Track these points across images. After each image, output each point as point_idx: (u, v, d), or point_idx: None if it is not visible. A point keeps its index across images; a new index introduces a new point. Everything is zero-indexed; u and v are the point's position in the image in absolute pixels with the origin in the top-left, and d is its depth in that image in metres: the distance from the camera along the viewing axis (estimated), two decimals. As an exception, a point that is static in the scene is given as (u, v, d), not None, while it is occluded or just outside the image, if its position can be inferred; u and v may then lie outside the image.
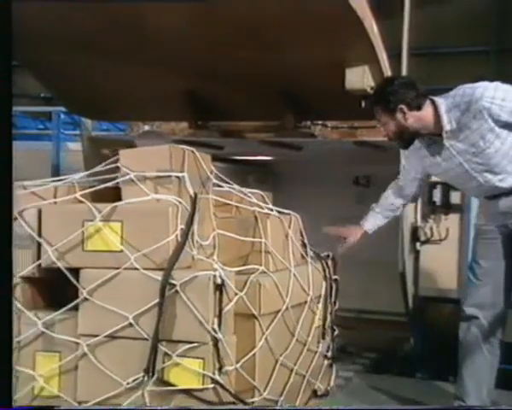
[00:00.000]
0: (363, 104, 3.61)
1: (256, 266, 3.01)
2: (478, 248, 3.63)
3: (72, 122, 6.53)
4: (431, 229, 4.90)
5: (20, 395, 2.84)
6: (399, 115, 3.36)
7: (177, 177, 2.89)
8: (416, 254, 4.91)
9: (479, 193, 3.63)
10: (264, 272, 3.01)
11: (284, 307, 3.05)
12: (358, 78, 4.03)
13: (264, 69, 4.28)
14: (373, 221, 3.80)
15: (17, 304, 2.87)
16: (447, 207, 4.93)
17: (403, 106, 3.35)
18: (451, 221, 4.90)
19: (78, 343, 2.81)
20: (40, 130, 7.77)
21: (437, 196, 4.94)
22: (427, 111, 3.39)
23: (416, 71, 4.67)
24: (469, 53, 10.19)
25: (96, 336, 2.77)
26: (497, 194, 3.45)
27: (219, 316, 2.70)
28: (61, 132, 6.48)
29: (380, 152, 4.96)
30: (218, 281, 2.68)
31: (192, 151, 3.00)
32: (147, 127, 6.88)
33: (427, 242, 4.88)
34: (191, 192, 2.89)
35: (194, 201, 2.86)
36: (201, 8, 3.72)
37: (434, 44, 10.13)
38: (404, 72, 4.53)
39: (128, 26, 4.03)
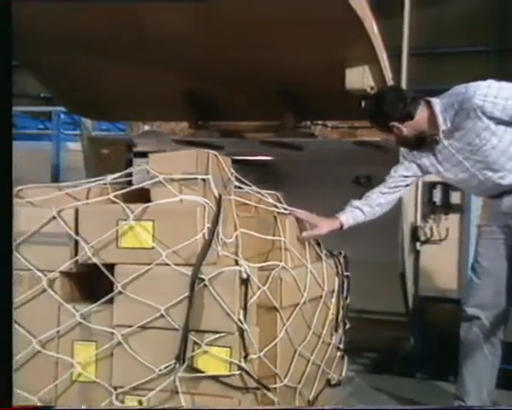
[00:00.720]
0: (362, 104, 3.60)
1: (277, 263, 3.24)
2: (480, 248, 3.63)
3: (72, 122, 6.53)
4: (431, 229, 4.90)
5: (60, 381, 3.10)
6: (395, 130, 3.43)
7: (203, 179, 3.11)
8: (416, 254, 4.91)
9: (480, 192, 3.64)
10: (284, 268, 3.23)
11: (302, 300, 3.28)
12: (358, 78, 4.03)
13: (264, 69, 4.28)
14: (350, 215, 3.61)
15: (56, 297, 3.10)
16: (447, 207, 4.94)
17: (394, 123, 3.41)
18: (451, 221, 4.90)
19: (113, 333, 3.02)
20: (40, 130, 7.77)
21: (437, 196, 4.95)
22: (421, 115, 3.42)
23: (416, 71, 4.67)
24: (469, 53, 10.19)
25: (130, 326, 2.98)
26: (499, 192, 3.45)
27: (245, 308, 2.91)
28: (61, 132, 6.48)
29: (380, 152, 4.96)
30: (244, 276, 2.91)
31: (215, 155, 3.20)
32: (147, 127, 6.88)
33: (427, 242, 4.88)
34: (215, 193, 3.10)
35: (218, 201, 3.06)
36: (202, 8, 3.72)
37: (434, 44, 10.13)
38: (404, 72, 4.54)
39: (128, 26, 4.03)
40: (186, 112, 5.04)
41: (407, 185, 3.70)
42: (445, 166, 3.51)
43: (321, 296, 3.51)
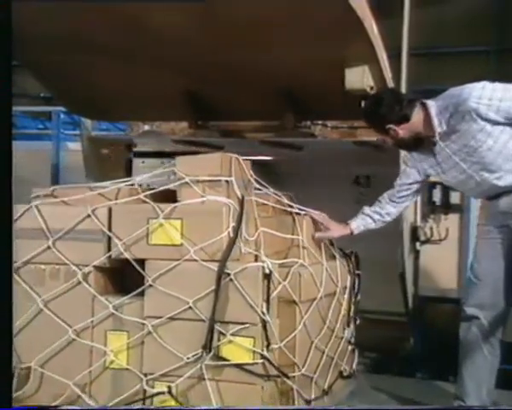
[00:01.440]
0: (362, 104, 3.60)
1: (295, 260, 3.48)
2: (478, 247, 3.63)
3: (71, 122, 6.53)
4: (431, 229, 4.90)
5: (93, 367, 3.34)
6: (391, 132, 3.46)
7: (226, 181, 3.35)
8: (416, 253, 4.91)
9: (478, 193, 3.64)
10: (302, 265, 3.48)
11: (319, 295, 3.51)
12: (358, 78, 4.02)
13: (264, 69, 4.28)
14: (360, 222, 3.78)
15: (91, 289, 3.35)
16: (447, 207, 4.94)
17: (390, 125, 3.44)
18: (451, 221, 4.90)
19: (144, 324, 3.25)
20: (40, 130, 7.76)
21: (437, 195, 4.95)
22: (417, 117, 3.45)
23: (416, 71, 4.67)
24: (469, 53, 10.19)
25: (160, 317, 3.21)
26: (497, 194, 3.45)
27: (267, 301, 3.13)
28: (60, 132, 6.48)
29: (379, 152, 4.96)
30: (267, 271, 3.13)
31: (237, 158, 3.42)
32: (146, 127, 6.88)
33: (426, 242, 4.88)
34: (239, 194, 3.34)
35: (241, 202, 3.29)
36: (201, 8, 3.72)
37: (434, 44, 10.13)
38: (404, 72, 4.53)
39: (128, 26, 4.03)
40: (186, 112, 5.04)
41: (416, 192, 3.76)
42: (444, 167, 3.52)
43: (334, 293, 3.72)
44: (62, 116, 6.47)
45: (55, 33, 4.17)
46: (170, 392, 3.21)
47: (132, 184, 3.56)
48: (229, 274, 3.13)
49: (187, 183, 3.35)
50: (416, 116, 3.44)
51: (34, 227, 3.45)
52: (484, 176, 3.42)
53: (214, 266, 3.14)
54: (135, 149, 5.75)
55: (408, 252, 4.81)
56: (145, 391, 3.26)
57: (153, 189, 3.51)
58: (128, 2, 3.82)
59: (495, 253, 3.53)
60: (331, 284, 3.68)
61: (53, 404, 3.33)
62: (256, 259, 3.29)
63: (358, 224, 3.76)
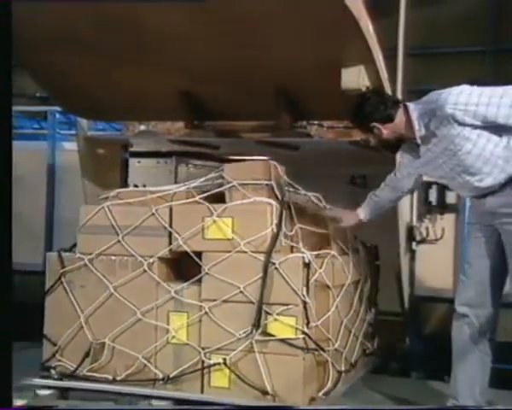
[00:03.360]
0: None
1: (328, 251, 4.10)
2: (468, 247, 3.67)
3: (67, 122, 6.51)
4: (427, 229, 4.90)
5: (158, 343, 3.99)
6: (375, 131, 3.58)
7: (267, 184, 4.00)
8: (412, 253, 4.91)
9: (465, 192, 3.69)
10: (333, 256, 4.09)
11: (347, 282, 4.18)
12: (354, 78, 4.03)
13: (260, 69, 4.28)
14: (368, 210, 3.96)
15: (155, 277, 4.00)
16: (443, 207, 4.94)
17: (375, 124, 3.56)
18: (447, 221, 4.91)
19: (201, 306, 3.91)
20: (36, 129, 7.74)
21: (433, 195, 4.95)
22: (400, 119, 3.56)
23: (412, 71, 4.67)
24: (465, 53, 10.19)
25: (215, 300, 3.87)
26: (482, 194, 3.48)
27: (307, 286, 3.76)
28: (56, 132, 6.47)
29: (375, 152, 4.96)
30: (306, 261, 3.77)
31: (275, 165, 4.08)
32: (142, 127, 6.87)
33: (422, 241, 4.88)
34: (278, 196, 3.99)
35: (281, 202, 3.95)
36: (198, 7, 3.72)
37: (430, 44, 10.13)
38: (400, 72, 4.54)
39: (124, 26, 4.03)
40: (182, 112, 5.03)
41: (415, 183, 3.84)
42: (429, 168, 3.59)
43: (359, 281, 4.40)
44: (58, 116, 6.45)
45: (51, 33, 4.16)
46: (225, 363, 3.84)
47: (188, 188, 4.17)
48: (274, 263, 3.76)
49: (234, 186, 3.99)
50: (399, 118, 3.54)
51: (105, 224, 4.14)
52: (465, 179, 3.47)
53: (261, 257, 3.80)
54: (131, 149, 5.75)
55: (404, 252, 4.82)
56: (203, 362, 3.91)
57: (205, 191, 4.10)
58: (125, 2, 3.82)
59: (483, 252, 3.56)
60: (356, 273, 4.32)
61: (124, 374, 4.03)
62: (293, 250, 3.93)
63: (367, 211, 3.97)
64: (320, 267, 3.87)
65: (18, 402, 3.73)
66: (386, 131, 3.56)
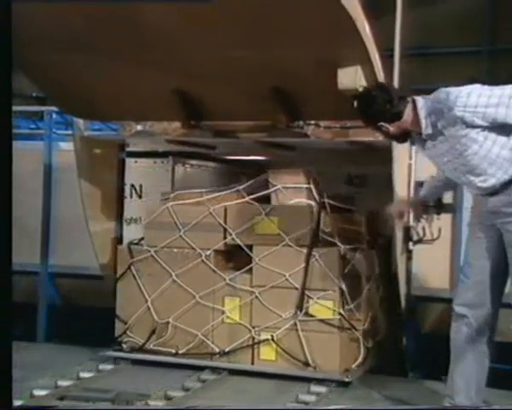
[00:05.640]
0: (355, 104, 3.61)
1: (359, 246, 4.82)
2: (469, 247, 3.65)
3: (64, 122, 6.49)
4: (423, 229, 4.90)
5: (214, 323, 4.78)
6: (383, 129, 3.53)
7: (307, 187, 4.79)
8: (409, 253, 4.91)
9: (470, 189, 3.69)
10: (363, 249, 4.83)
11: (376, 272, 4.92)
12: (351, 78, 4.03)
13: (256, 69, 4.27)
14: (423, 192, 4.09)
15: (211, 266, 4.81)
16: (439, 207, 4.93)
17: (382, 123, 3.50)
18: (444, 221, 4.91)
19: (252, 291, 4.71)
20: (32, 129, 7.72)
21: (429, 195, 4.93)
22: (408, 115, 3.51)
23: (408, 71, 4.67)
24: (461, 53, 10.19)
25: (264, 286, 4.67)
26: (486, 193, 3.48)
27: (342, 274, 4.54)
28: (53, 132, 6.45)
29: (372, 152, 4.96)
30: (342, 253, 4.58)
31: (312, 171, 4.87)
32: (139, 127, 6.85)
33: (419, 241, 4.88)
34: (316, 197, 4.74)
35: (319, 203, 4.71)
36: (195, 7, 3.71)
37: (427, 45, 10.13)
38: (397, 72, 4.54)
39: (121, 26, 4.02)
40: (179, 112, 5.02)
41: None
42: (439, 161, 3.59)
43: (380, 273, 5.00)
44: (54, 116, 6.42)
45: (47, 33, 4.15)
46: (272, 339, 4.61)
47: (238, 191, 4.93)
48: (314, 255, 4.53)
49: (279, 189, 4.80)
50: (407, 114, 3.48)
51: (168, 221, 4.94)
52: (470, 178, 3.47)
53: (303, 250, 4.58)
54: (128, 149, 5.74)
55: (400, 252, 4.82)
56: (253, 339, 4.69)
57: (253, 193, 4.85)
58: (121, 2, 3.81)
59: (484, 253, 3.55)
60: (381, 266, 5.00)
61: (185, 349, 4.82)
62: (331, 244, 4.63)
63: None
64: (353, 259, 4.63)
65: (15, 403, 3.75)
66: (393, 128, 3.51)
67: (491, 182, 3.41)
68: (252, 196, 4.83)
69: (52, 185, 6.18)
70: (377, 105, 3.48)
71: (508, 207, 3.41)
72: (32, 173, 6.11)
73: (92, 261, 5.58)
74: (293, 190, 4.78)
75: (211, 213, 4.83)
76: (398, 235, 4.78)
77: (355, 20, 3.65)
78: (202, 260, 4.83)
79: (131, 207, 5.77)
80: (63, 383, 4.43)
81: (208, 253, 4.83)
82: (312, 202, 4.70)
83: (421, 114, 3.43)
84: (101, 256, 5.54)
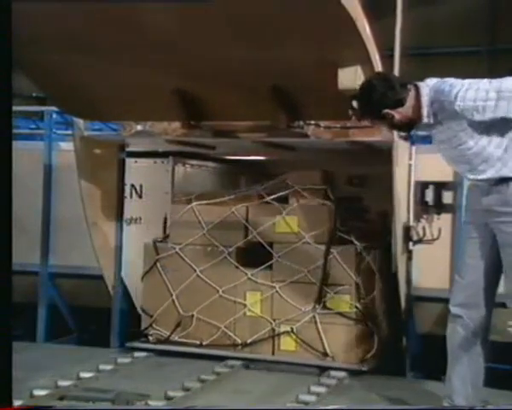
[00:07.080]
0: (354, 104, 3.60)
1: (373, 244, 5.08)
2: (463, 246, 3.66)
3: (64, 122, 6.48)
4: (423, 229, 4.90)
5: (236, 316, 5.03)
6: (387, 117, 3.48)
7: (323, 189, 5.09)
8: (409, 253, 4.91)
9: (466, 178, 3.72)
10: (377, 248, 5.09)
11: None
12: (351, 78, 4.02)
13: (256, 69, 4.27)
14: None
15: (234, 262, 5.08)
16: (439, 207, 4.94)
17: (386, 110, 3.46)
18: (444, 221, 4.91)
19: (272, 286, 4.98)
20: (32, 129, 7.71)
21: (429, 195, 4.95)
22: (411, 102, 3.47)
23: (408, 71, 4.67)
24: (461, 53, 10.21)
25: (284, 281, 4.96)
26: (478, 181, 3.49)
27: (358, 270, 4.84)
28: (53, 132, 6.44)
29: (372, 152, 4.96)
30: (358, 250, 4.87)
31: (328, 173, 5.19)
32: (139, 127, 6.86)
33: (419, 241, 4.88)
34: (332, 198, 5.02)
35: (336, 203, 4.99)
36: (195, 8, 3.71)
37: (427, 45, 10.14)
38: (397, 72, 4.54)
39: (121, 27, 4.02)
40: (179, 112, 5.03)
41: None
42: (441, 147, 3.60)
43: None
44: (55, 116, 6.41)
45: (47, 33, 4.15)
46: (292, 331, 4.85)
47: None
48: (332, 252, 4.80)
49: (297, 190, 5.06)
50: (410, 101, 3.47)
51: (192, 220, 5.22)
52: (462, 169, 3.56)
53: (321, 247, 4.85)
54: (128, 149, 5.74)
55: (400, 252, 4.82)
56: (274, 331, 4.93)
57: (272, 194, 5.12)
58: (120, 2, 3.81)
59: (478, 252, 3.55)
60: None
61: (209, 341, 5.03)
62: (347, 242, 4.89)
63: None
64: (368, 255, 4.93)
65: (15, 403, 3.75)
66: (398, 115, 3.47)
67: (483, 176, 3.43)
68: (272, 197, 5.10)
69: (52, 185, 6.17)
70: (379, 92, 3.45)
71: (501, 207, 3.41)
72: (31, 173, 6.10)
73: (92, 261, 5.58)
74: (310, 190, 5.04)
75: (233, 212, 5.10)
76: (398, 235, 4.78)
77: (355, 20, 3.65)
78: (225, 257, 5.09)
79: (131, 207, 5.78)
80: (63, 383, 4.42)
81: (230, 250, 5.09)
82: (329, 202, 4.95)
83: (424, 102, 3.43)
84: (101, 256, 5.55)
